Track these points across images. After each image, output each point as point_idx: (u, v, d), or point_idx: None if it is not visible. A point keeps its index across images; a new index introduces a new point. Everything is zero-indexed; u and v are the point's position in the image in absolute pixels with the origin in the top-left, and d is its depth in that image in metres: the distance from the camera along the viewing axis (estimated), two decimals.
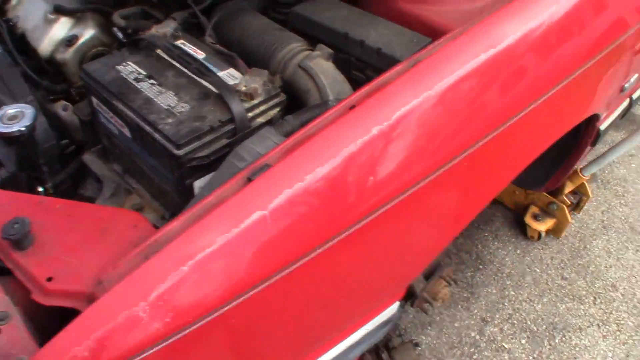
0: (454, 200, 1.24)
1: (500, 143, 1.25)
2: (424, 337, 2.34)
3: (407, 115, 1.05)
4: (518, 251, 2.66)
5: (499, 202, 2.84)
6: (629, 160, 3.12)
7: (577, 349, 2.34)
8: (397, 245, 1.19)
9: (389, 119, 1.03)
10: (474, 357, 2.29)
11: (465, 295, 2.49)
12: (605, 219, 2.82)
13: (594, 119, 1.78)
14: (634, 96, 2.00)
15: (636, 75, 1.82)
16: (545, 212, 2.64)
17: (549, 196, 2.59)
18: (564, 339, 2.36)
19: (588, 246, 2.69)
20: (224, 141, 1.20)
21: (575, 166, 2.56)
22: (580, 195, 2.71)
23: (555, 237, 2.70)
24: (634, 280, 2.57)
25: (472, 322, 2.40)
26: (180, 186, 1.22)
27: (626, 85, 1.77)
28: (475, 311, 2.43)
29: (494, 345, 2.33)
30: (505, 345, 2.33)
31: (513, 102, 1.23)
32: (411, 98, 1.07)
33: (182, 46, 1.38)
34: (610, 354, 2.33)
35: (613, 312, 2.46)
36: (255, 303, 0.98)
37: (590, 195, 2.69)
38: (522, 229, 2.73)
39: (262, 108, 1.25)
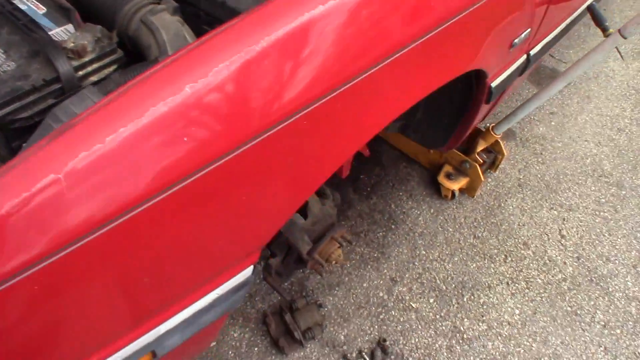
0: (294, 163, 1.18)
1: (351, 97, 1.20)
2: (330, 298, 2.33)
3: (226, 72, 0.99)
4: (432, 210, 2.65)
5: (415, 161, 2.82)
6: (549, 118, 3.11)
7: (484, 307, 2.35)
8: (231, 209, 1.15)
9: (205, 76, 0.97)
10: (381, 317, 2.29)
11: (375, 255, 2.48)
12: (521, 177, 2.82)
13: (482, 76, 1.74)
14: (533, 52, 1.97)
15: (528, 30, 1.77)
16: (459, 171, 2.63)
17: (462, 155, 2.57)
18: (472, 297, 2.38)
19: (502, 204, 2.69)
20: (50, 101, 1.13)
21: (487, 124, 2.55)
22: (495, 154, 2.70)
23: (469, 197, 2.70)
24: (546, 238, 2.59)
25: (381, 282, 2.39)
26: (8, 149, 1.15)
27: (516, 41, 1.73)
28: (385, 271, 2.43)
29: (401, 305, 2.33)
30: (413, 305, 2.34)
31: (360, 54, 1.17)
32: (233, 53, 1.00)
33: (17, 0, 1.29)
34: (517, 311, 2.35)
35: (523, 270, 2.48)
36: (56, 272, 0.93)
37: (506, 153, 2.68)
38: (437, 189, 2.71)
39: (95, 66, 1.17)
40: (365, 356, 2.16)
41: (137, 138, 0.92)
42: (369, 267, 2.43)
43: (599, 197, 2.76)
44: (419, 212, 2.64)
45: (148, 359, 1.26)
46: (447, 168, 2.63)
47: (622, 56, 2.25)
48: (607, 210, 2.71)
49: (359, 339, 2.22)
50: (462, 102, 1.92)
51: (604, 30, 2.09)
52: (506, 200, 2.71)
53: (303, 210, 1.88)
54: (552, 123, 3.08)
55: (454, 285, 2.40)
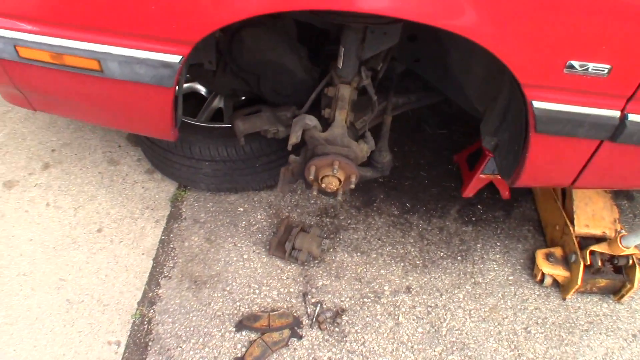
0: None
1: None
2: (346, 255, 2.32)
3: None
4: (510, 277, 2.29)
5: (543, 232, 2.44)
6: None
7: None
8: None
9: None
10: (365, 300, 2.18)
11: (418, 262, 2.31)
12: None
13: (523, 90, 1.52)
14: (633, 118, 1.54)
15: (606, 67, 1.41)
16: (565, 259, 2.20)
17: (576, 245, 2.15)
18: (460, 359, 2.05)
19: (591, 334, 2.14)
20: None
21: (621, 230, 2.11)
22: (625, 278, 2.16)
23: (562, 296, 2.22)
24: None
25: (398, 281, 2.25)
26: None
27: (575, 64, 1.43)
28: (410, 278, 2.26)
29: (391, 309, 2.17)
30: (401, 319, 2.14)
31: None
32: None
33: None
34: None
35: None
36: None
37: (636, 286, 2.12)
38: None
39: None
40: (317, 308, 2.13)
41: None
42: (402, 265, 2.30)
43: None
44: (496, 268, 2.32)
45: (95, 65, 1.67)
46: (555, 249, 2.23)
47: None
48: None
49: (330, 296, 2.19)
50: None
51: None
52: (599, 334, 2.14)
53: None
54: None
55: (453, 339, 2.10)
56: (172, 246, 2.33)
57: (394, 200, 2.56)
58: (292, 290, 2.21)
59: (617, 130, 1.61)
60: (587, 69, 1.48)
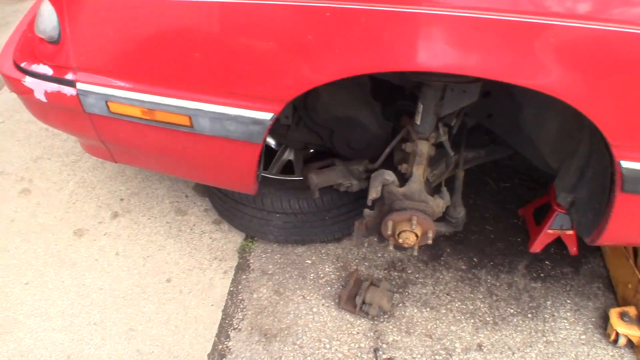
0: None
1: None
2: (415, 311, 2.31)
3: None
4: (583, 336, 2.25)
5: (613, 290, 2.41)
6: None
7: None
8: None
9: None
10: (436, 357, 2.15)
11: (488, 319, 2.29)
12: None
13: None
14: None
15: None
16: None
17: None
18: None
19: None
20: None
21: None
22: None
23: (637, 357, 2.18)
24: None
25: (469, 338, 2.22)
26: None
27: None
28: (481, 335, 2.24)
29: None
30: None
31: None
32: None
33: None
34: None
35: None
36: None
37: None
38: None
39: None
40: None
41: None
42: (472, 321, 2.28)
43: None
44: (568, 327, 2.28)
45: (186, 120, 1.72)
46: (629, 309, 2.19)
47: None
48: None
49: (401, 352, 2.17)
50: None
51: None
52: None
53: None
54: None
55: None
56: (240, 298, 2.34)
57: (460, 254, 2.56)
58: (362, 345, 2.19)
59: None
60: None
